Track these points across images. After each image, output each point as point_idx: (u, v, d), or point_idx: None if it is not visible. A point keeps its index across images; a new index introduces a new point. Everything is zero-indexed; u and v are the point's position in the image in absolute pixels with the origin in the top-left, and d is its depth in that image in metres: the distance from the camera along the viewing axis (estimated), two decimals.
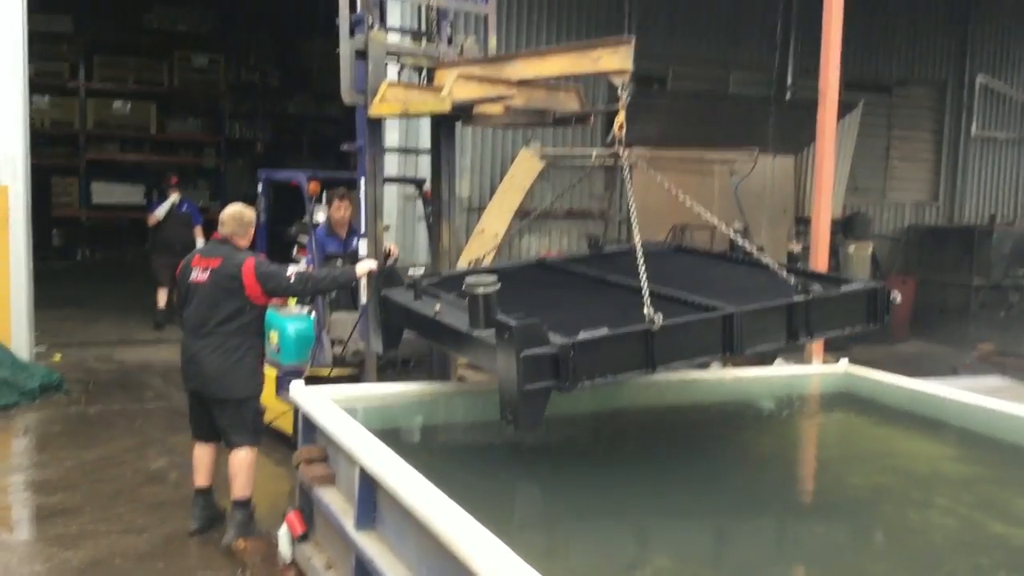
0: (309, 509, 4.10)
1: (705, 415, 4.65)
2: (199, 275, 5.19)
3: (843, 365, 5.29)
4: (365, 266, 5.26)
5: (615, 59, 4.26)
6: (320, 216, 7.54)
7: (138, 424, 7.65)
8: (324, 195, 7.74)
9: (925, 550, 3.10)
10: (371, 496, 3.39)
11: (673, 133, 10.83)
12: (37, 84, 17.16)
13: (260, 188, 7.74)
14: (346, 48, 5.32)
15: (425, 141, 9.72)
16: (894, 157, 14.24)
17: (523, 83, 4.92)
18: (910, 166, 14.42)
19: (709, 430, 4.46)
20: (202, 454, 5.42)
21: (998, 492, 3.68)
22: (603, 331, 3.36)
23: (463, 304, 3.71)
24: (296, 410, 4.44)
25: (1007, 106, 14.60)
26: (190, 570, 4.99)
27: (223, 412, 5.23)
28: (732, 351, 3.69)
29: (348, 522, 3.48)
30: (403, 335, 4.67)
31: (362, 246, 5.69)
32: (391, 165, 8.99)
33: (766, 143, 11.53)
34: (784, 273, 4.06)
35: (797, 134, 11.47)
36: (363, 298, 5.62)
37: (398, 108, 5.24)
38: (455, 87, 4.82)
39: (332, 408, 3.90)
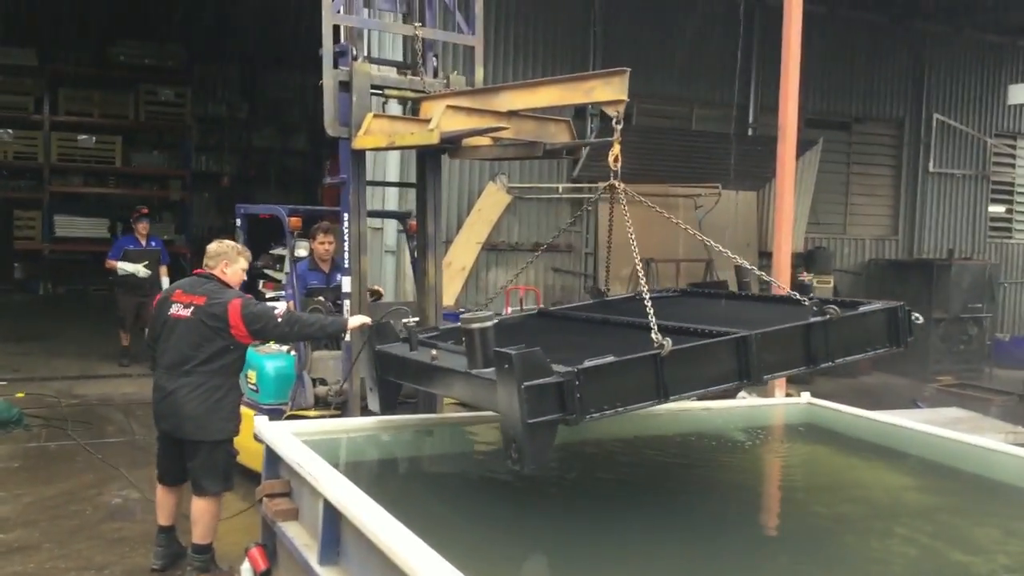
0: (272, 544, 4.06)
1: (669, 446, 4.66)
2: (180, 310, 5.01)
3: (805, 397, 5.34)
4: (357, 320, 5.00)
5: (609, 90, 4.16)
6: (302, 251, 7.46)
7: (99, 459, 7.53)
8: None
9: None
10: (335, 530, 3.36)
11: (638, 168, 10.96)
12: (1, 118, 17.15)
13: (239, 222, 7.54)
14: (330, 79, 5.24)
15: (392, 174, 9.79)
16: (854, 192, 14.51)
17: (512, 114, 4.83)
18: (869, 201, 14.70)
19: (673, 461, 4.47)
20: (166, 496, 5.30)
21: (958, 522, 3.72)
22: (609, 358, 3.22)
23: (461, 350, 3.58)
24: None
25: (962, 143, 14.96)
26: None
27: (196, 454, 5.04)
28: (749, 378, 3.52)
29: (312, 557, 3.44)
30: (400, 390, 4.46)
31: (345, 282, 5.58)
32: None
33: (729, 178, 11.71)
34: (798, 295, 3.98)
35: (759, 170, 11.66)
36: (346, 336, 5.53)
37: (384, 140, 5.12)
38: (443, 119, 4.69)
39: (295, 442, 3.87)
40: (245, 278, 5.41)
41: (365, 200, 5.60)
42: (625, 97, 4.08)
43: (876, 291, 14.03)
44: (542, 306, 5.34)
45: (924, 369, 12.30)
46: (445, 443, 4.59)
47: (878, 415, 5.08)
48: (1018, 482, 4.30)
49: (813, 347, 3.68)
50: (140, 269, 10.91)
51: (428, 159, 5.69)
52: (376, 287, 7.55)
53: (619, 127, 4.06)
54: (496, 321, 3.46)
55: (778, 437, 5.20)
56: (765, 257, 11.53)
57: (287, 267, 11.02)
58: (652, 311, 3.44)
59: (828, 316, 3.68)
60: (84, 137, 17.74)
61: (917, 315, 3.96)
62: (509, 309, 9.58)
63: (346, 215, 5.53)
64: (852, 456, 4.74)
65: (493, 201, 11.19)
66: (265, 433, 4.12)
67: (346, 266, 5.58)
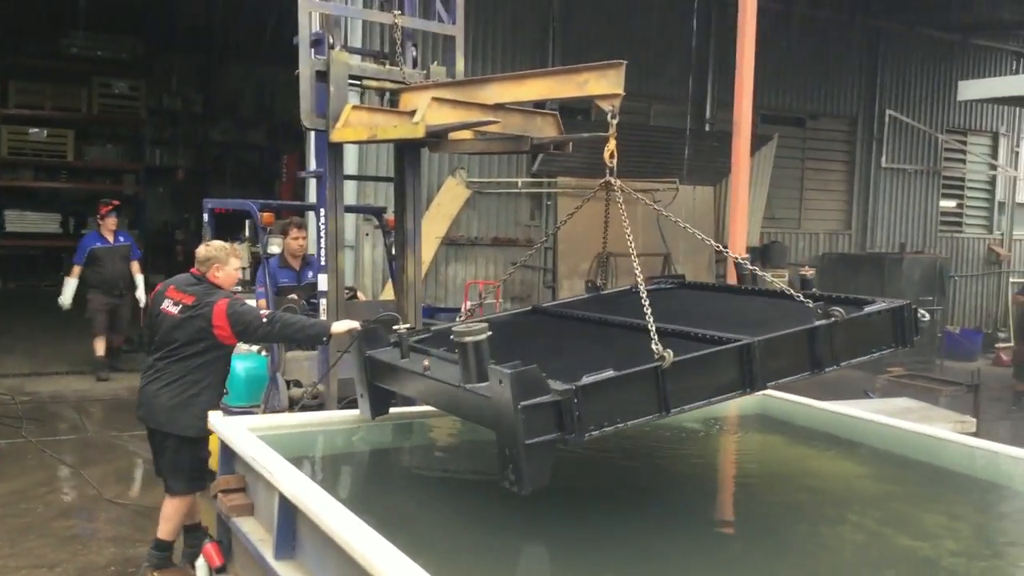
0: (228, 540, 4.04)
1: (623, 436, 4.69)
2: (171, 307, 4.96)
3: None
4: (344, 325, 4.73)
5: (604, 83, 4.01)
6: (275, 247, 7.33)
7: (51, 457, 7.41)
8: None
9: (837, 564, 3.20)
10: (291, 525, 3.35)
11: (596, 162, 11.00)
12: None
13: (206, 218, 7.40)
14: (306, 69, 5.10)
15: (351, 167, 9.71)
16: (808, 188, 14.69)
17: (498, 107, 4.68)
18: (824, 196, 14.89)
19: (628, 451, 4.51)
20: None
21: (907, 508, 3.80)
22: (608, 373, 3.08)
23: (455, 358, 3.44)
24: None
25: (914, 139, 15.22)
26: None
27: (164, 449, 4.99)
28: (752, 387, 3.38)
29: (267, 552, 3.43)
30: (392, 396, 4.29)
31: (322, 280, 5.47)
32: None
33: (686, 173, 11.80)
34: (800, 297, 3.81)
35: (716, 165, 11.77)
36: (328, 340, 5.44)
37: (364, 134, 4.96)
38: (429, 112, 4.54)
39: (250, 436, 3.85)
40: (240, 276, 5.27)
41: (343, 195, 5.48)
42: (621, 91, 3.93)
43: (829, 285, 14.22)
44: (535, 304, 5.08)
45: (876, 361, 12.48)
46: (405, 437, 4.59)
47: (831, 405, 5.16)
48: (965, 470, 4.40)
49: (818, 351, 3.54)
50: (67, 301, 10.28)
51: (407, 153, 5.54)
52: (356, 290, 7.47)
53: (614, 122, 3.93)
54: (490, 334, 3.31)
55: (733, 427, 5.26)
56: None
57: (245, 262, 10.94)
58: (652, 320, 3.30)
59: (833, 319, 3.54)
60: (35, 130, 17.39)
61: (924, 312, 3.85)
62: (468, 303, 9.59)
63: (323, 210, 5.39)
64: (805, 446, 4.82)
65: (452, 195, 11.18)
66: (219, 428, 4.10)
67: (322, 263, 5.48)
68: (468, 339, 3.26)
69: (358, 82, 5.49)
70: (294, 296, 6.59)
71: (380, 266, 10.64)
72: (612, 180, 4.02)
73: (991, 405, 10.00)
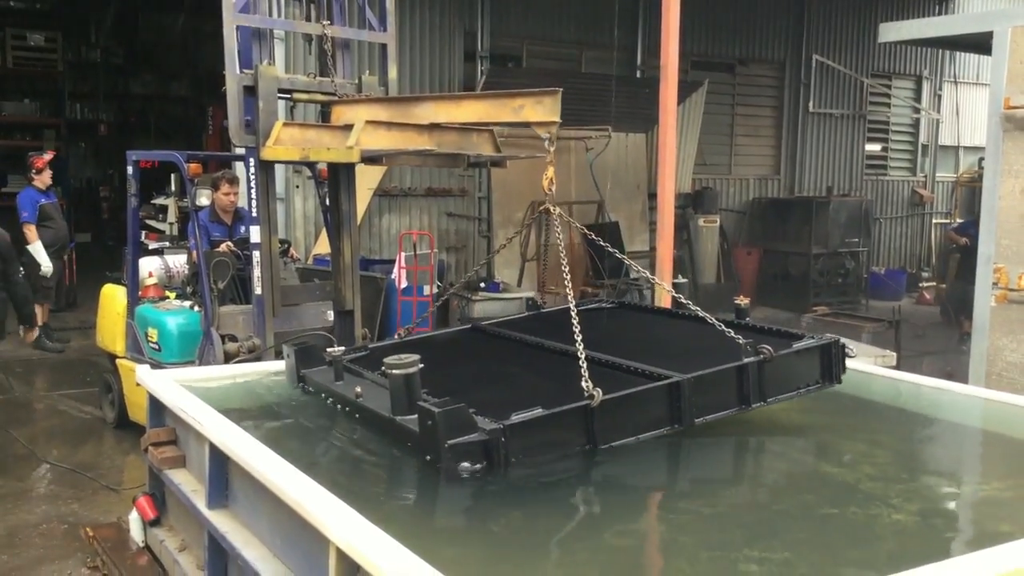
0: (161, 493, 4.02)
1: None
2: None
3: None
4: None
5: (540, 110, 3.96)
6: (204, 199, 7.18)
7: None
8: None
9: (759, 491, 3.31)
10: (222, 474, 3.34)
11: None
12: None
13: (130, 171, 7.16)
14: (233, 84, 4.95)
15: (281, 115, 9.53)
16: (738, 134, 14.85)
17: (434, 126, 4.62)
18: (753, 142, 15.07)
19: None
20: None
21: (828, 437, 3.92)
22: (537, 411, 3.08)
23: (387, 383, 3.39)
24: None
25: (840, 83, 15.44)
26: (37, 561, 4.85)
27: None
28: (680, 423, 3.39)
29: (200, 502, 3.42)
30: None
31: (254, 232, 5.40)
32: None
33: (618, 120, 11.84)
34: (732, 333, 3.75)
35: (648, 112, 11.81)
36: (257, 290, 5.39)
37: (296, 153, 4.86)
38: (363, 135, 4.46)
39: (178, 388, 3.82)
40: None
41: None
42: (557, 118, 3.88)
43: (759, 228, 14.50)
44: (474, 323, 5.05)
45: (805, 302, 12.83)
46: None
47: None
48: (885, 400, 4.55)
49: (746, 389, 3.58)
50: (48, 266, 9.42)
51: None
52: (292, 251, 7.38)
53: (552, 149, 3.83)
54: (421, 366, 3.28)
55: None
56: (654, 199, 11.75)
57: (170, 217, 10.72)
58: (583, 356, 3.30)
59: (762, 356, 3.58)
60: None
61: (850, 348, 3.91)
62: (403, 254, 9.55)
63: (252, 161, 5.27)
64: None
65: None
66: (147, 381, 4.05)
67: (254, 215, 5.38)
68: (398, 372, 3.26)
69: (288, 95, 5.35)
70: (225, 247, 6.50)
71: (312, 218, 10.53)
72: (551, 207, 3.91)
73: (914, 342, 10.34)
